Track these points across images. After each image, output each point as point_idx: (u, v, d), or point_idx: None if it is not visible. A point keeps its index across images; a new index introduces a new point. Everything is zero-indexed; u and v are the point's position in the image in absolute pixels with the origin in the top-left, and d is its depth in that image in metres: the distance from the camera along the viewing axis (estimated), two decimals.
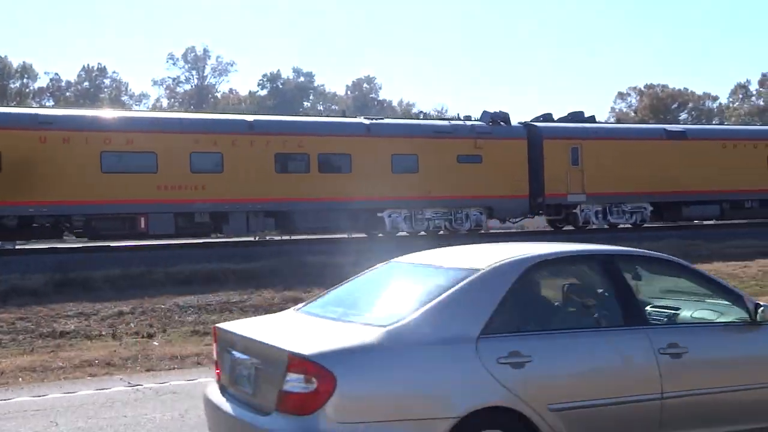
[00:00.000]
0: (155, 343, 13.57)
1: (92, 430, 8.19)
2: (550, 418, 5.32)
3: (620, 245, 8.03)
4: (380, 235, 29.47)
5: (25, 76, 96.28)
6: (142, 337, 14.06)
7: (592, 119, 34.44)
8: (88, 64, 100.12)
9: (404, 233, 29.13)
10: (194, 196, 26.44)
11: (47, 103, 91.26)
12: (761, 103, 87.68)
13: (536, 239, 27.51)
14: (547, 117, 32.94)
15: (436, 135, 29.44)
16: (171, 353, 12.37)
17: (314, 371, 4.94)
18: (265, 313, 14.87)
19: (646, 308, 6.59)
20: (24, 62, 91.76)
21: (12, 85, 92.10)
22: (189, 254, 23.08)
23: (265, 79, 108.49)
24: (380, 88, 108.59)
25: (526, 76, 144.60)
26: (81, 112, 28.81)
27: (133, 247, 25.87)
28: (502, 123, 30.68)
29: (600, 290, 6.30)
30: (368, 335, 5.26)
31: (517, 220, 32.45)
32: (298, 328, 5.95)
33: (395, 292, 6.30)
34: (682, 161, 32.05)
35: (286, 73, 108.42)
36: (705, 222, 33.73)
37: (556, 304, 6.40)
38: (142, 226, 26.15)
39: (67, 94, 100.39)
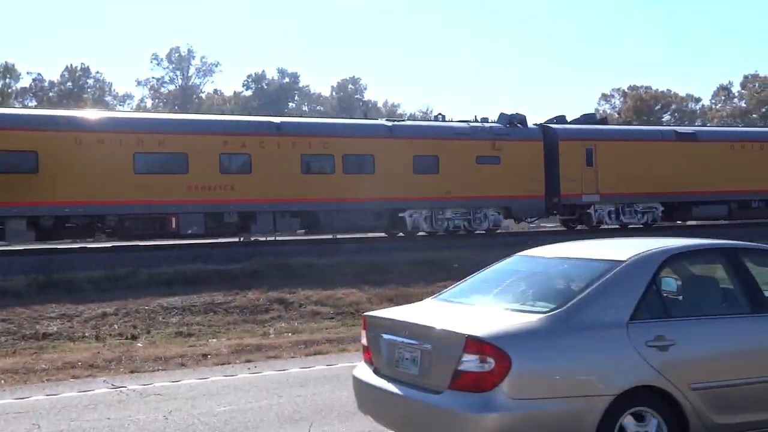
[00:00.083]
0: (139, 344, 13.57)
1: None
2: (693, 396, 5.90)
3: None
4: (400, 234, 30.11)
5: (8, 76, 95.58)
6: (126, 338, 14.06)
7: (604, 121, 35.29)
8: (71, 64, 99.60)
9: (425, 232, 29.71)
10: (223, 197, 26.92)
11: (30, 104, 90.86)
12: (743, 104, 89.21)
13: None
14: (561, 119, 33.71)
15: (456, 136, 30.11)
16: (155, 354, 12.35)
17: (491, 352, 5.51)
18: (250, 314, 16.11)
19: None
20: (6, 62, 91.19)
21: None
22: (173, 255, 23.20)
23: (249, 80, 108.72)
24: (365, 89, 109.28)
25: (510, 77, 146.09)
26: (115, 114, 29.21)
27: (116, 248, 26.00)
28: (518, 125, 31.40)
29: (728, 280, 6.87)
30: (534, 320, 5.87)
31: (533, 220, 33.16)
32: (458, 315, 6.47)
33: (541, 282, 6.90)
34: (692, 162, 32.92)
35: (271, 74, 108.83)
36: (714, 222, 34.51)
37: (690, 292, 7.00)
38: (173, 226, 26.59)
39: (50, 94, 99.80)
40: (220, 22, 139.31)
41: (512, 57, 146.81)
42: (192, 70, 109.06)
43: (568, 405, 5.59)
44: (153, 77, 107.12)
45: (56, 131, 25.05)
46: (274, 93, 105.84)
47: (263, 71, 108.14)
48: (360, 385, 6.76)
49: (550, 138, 31.59)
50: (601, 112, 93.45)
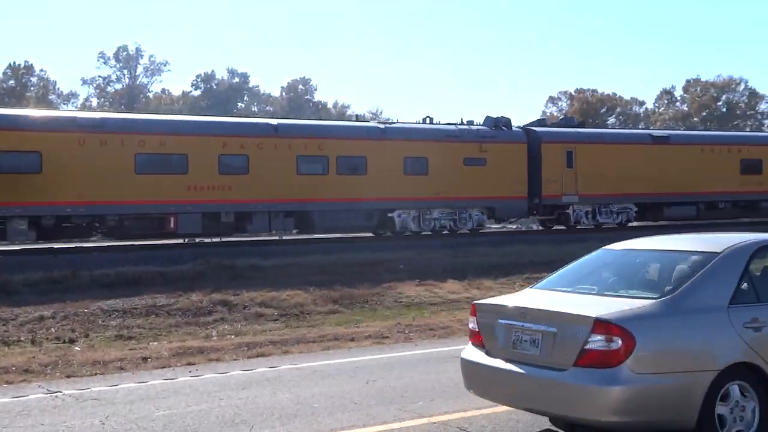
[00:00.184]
0: (77, 348, 13.20)
1: None
2: None
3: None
4: (387, 234, 30.86)
5: None
6: (64, 342, 13.71)
7: (581, 125, 36.59)
8: (14, 62, 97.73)
9: (411, 232, 30.49)
10: (221, 197, 27.38)
11: None
12: (685, 108, 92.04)
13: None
14: (542, 122, 34.89)
15: (444, 138, 31.01)
16: (93, 359, 12.04)
17: (618, 333, 6.26)
18: (193, 317, 15.98)
19: None
20: None
21: None
22: (114, 257, 23.02)
23: (198, 80, 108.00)
24: (315, 90, 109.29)
25: (459, 79, 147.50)
26: (117, 115, 29.36)
27: (56, 249, 25.84)
28: (503, 128, 32.46)
29: None
30: (650, 305, 6.66)
31: (514, 220, 34.23)
32: (574, 301, 7.16)
33: (640, 271, 7.68)
34: (664, 165, 34.38)
35: (221, 74, 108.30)
36: (683, 222, 35.93)
37: None
38: (172, 226, 26.95)
39: None
40: (168, 22, 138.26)
41: (462, 59, 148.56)
42: (140, 69, 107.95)
43: (680, 379, 6.33)
44: (99, 76, 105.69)
45: (60, 132, 25.30)
46: (224, 93, 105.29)
47: (212, 71, 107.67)
48: (470, 366, 7.45)
49: (534, 140, 32.72)
50: (548, 114, 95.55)
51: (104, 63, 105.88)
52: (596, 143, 34.10)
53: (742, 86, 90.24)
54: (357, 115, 32.17)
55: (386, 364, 11.30)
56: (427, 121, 32.40)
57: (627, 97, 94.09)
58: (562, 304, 7.06)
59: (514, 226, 38.62)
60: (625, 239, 8.75)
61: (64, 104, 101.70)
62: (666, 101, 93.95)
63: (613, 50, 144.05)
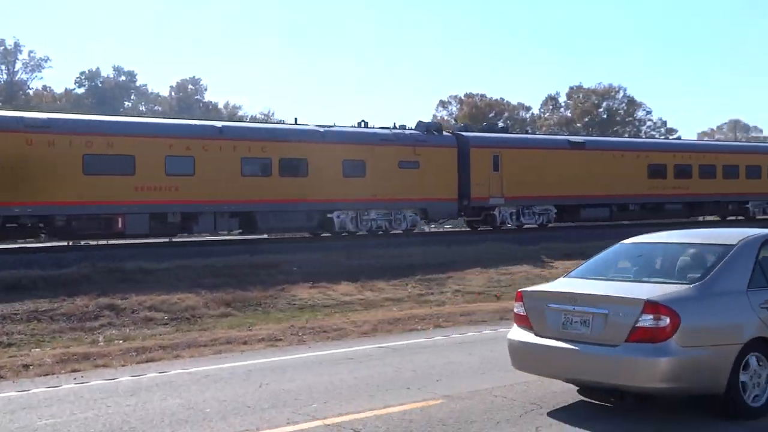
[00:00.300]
0: None
1: None
2: None
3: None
4: (325, 234, 31.63)
5: None
6: None
7: (505, 130, 38.31)
8: None
9: (347, 232, 31.37)
10: (168, 198, 27.58)
11: None
12: (569, 114, 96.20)
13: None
14: (470, 128, 36.36)
15: (381, 142, 32.06)
16: None
17: (666, 312, 7.45)
18: (78, 322, 15.51)
19: None
20: None
21: None
22: None
23: (83, 77, 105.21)
24: (206, 90, 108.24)
25: (350, 83, 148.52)
26: (66, 116, 28.96)
27: None
28: (435, 132, 33.76)
29: None
30: (686, 289, 7.93)
31: (444, 220, 35.54)
32: (617, 287, 8.35)
33: (667, 261, 8.92)
34: (581, 169, 36.53)
35: (106, 71, 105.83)
36: (598, 223, 38.17)
37: None
38: (119, 226, 26.94)
39: None
40: (49, 16, 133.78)
41: (354, 62, 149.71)
42: (18, 65, 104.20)
43: (713, 351, 7.54)
44: None
45: (7, 132, 24.97)
46: (110, 91, 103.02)
47: (97, 68, 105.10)
48: (519, 346, 8.57)
49: (463, 145, 34.16)
50: (438, 118, 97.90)
51: None
52: (520, 148, 35.89)
53: (621, 94, 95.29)
54: (296, 119, 32.51)
55: (279, 366, 11.14)
56: (362, 125, 33.28)
57: (514, 102, 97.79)
58: (609, 289, 8.25)
59: (448, 227, 40.03)
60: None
61: None
62: (551, 107, 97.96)
63: (501, 56, 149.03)
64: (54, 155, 25.48)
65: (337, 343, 13.30)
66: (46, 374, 11.14)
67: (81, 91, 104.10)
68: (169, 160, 27.68)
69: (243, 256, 23.65)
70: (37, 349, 13.31)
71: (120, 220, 26.87)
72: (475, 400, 8.64)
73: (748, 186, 42.34)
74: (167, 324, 15.74)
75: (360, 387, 9.54)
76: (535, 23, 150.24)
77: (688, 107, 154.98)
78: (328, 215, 30.95)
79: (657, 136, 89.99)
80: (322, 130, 31.28)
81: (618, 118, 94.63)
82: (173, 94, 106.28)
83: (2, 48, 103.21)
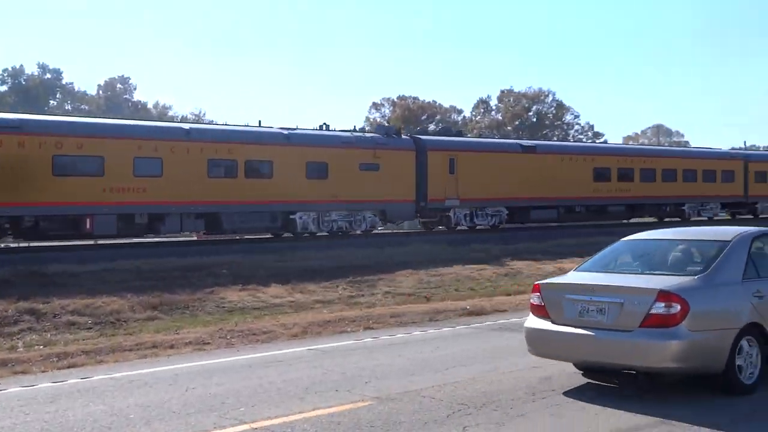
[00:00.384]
0: None
1: None
2: None
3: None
4: (286, 235, 32.15)
5: None
6: None
7: (460, 134, 39.37)
8: None
9: (309, 233, 31.94)
10: (136, 199, 27.77)
11: None
12: (499, 117, 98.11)
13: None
14: (427, 131, 37.23)
15: (343, 145, 32.74)
16: None
17: (677, 301, 8.34)
18: None
19: None
20: None
21: None
22: None
23: (5, 74, 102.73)
24: (135, 89, 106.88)
25: (281, 84, 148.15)
26: (37, 116, 28.79)
27: None
28: (394, 135, 34.63)
29: None
30: (691, 280, 8.91)
31: (401, 222, 36.36)
32: (629, 279, 9.32)
33: (669, 255, 9.87)
34: (532, 172, 37.83)
35: (31, 69, 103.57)
36: (546, 224, 39.49)
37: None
38: (88, 227, 27.01)
39: None
40: None
41: (287, 64, 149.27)
42: None
43: (717, 334, 8.49)
44: None
45: None
46: (34, 89, 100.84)
47: (21, 65, 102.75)
48: (537, 332, 9.40)
49: (421, 148, 35.10)
50: (371, 120, 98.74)
51: None
52: (475, 152, 37.02)
53: (551, 98, 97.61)
54: (260, 121, 32.88)
55: (207, 370, 10.93)
56: (324, 128, 33.88)
57: (446, 105, 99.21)
58: (622, 281, 9.23)
59: (406, 227, 40.85)
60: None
61: None
62: (482, 110, 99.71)
63: (434, 59, 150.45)
64: (24, 156, 25.44)
65: (267, 346, 13.08)
66: None
67: (4, 88, 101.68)
68: (138, 162, 27.85)
69: (170, 258, 23.54)
70: None
71: (88, 220, 26.94)
72: (404, 401, 8.69)
73: (684, 189, 44.49)
74: (91, 328, 15.25)
75: (289, 390, 9.44)
76: (468, 26, 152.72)
77: (613, 112, 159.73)
78: (291, 216, 31.46)
79: (584, 139, 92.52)
80: (286, 132, 31.78)
81: (547, 122, 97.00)
82: (101, 92, 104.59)
83: None
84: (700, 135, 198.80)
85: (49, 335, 14.52)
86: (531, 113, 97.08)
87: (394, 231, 38.15)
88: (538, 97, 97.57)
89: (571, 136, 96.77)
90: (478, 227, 36.69)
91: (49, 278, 19.50)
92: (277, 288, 19.60)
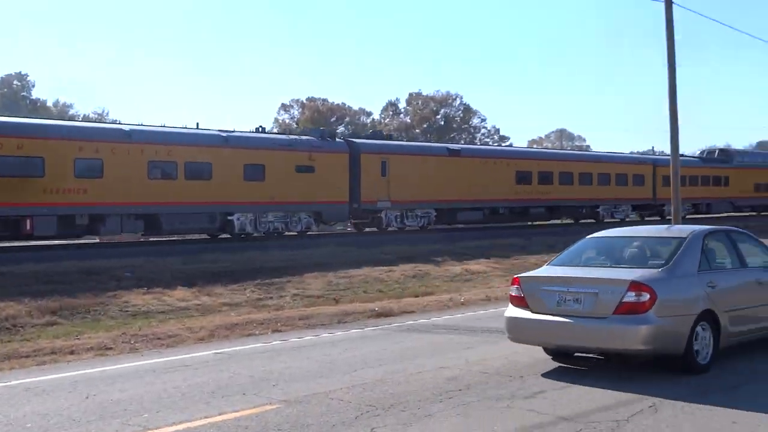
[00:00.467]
0: None
1: None
2: (724, 317, 10.04)
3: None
4: (223, 236, 32.44)
5: None
6: None
7: (390, 137, 40.29)
8: None
9: (244, 234, 32.26)
10: (76, 200, 27.71)
11: None
12: (408, 120, 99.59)
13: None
14: (358, 135, 37.96)
15: (280, 147, 33.27)
16: None
17: (646, 290, 9.36)
18: None
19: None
20: None
21: None
22: None
23: None
24: (33, 86, 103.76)
25: (187, 84, 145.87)
26: None
27: None
28: (329, 138, 35.31)
29: (732, 248, 11.49)
30: (657, 272, 9.97)
31: (334, 223, 37.01)
32: (600, 271, 10.39)
33: (632, 251, 10.93)
34: (458, 175, 39.07)
35: None
36: (473, 225, 40.77)
37: (718, 254, 11.50)
38: (28, 228, 26.78)
39: None
40: None
41: (193, 63, 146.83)
42: None
43: (678, 319, 9.53)
44: None
45: None
46: None
47: None
48: (517, 321, 10.32)
49: (354, 151, 35.94)
50: (280, 121, 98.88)
51: None
52: (405, 154, 38.13)
53: (458, 101, 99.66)
54: (197, 123, 33.05)
55: (109, 376, 10.61)
56: (261, 130, 34.28)
57: (355, 107, 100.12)
58: (595, 273, 10.30)
59: (339, 228, 41.45)
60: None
61: None
62: (391, 113, 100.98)
63: (343, 61, 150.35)
64: None
65: (172, 350, 12.79)
66: None
67: None
68: (78, 163, 27.75)
69: (70, 261, 23.01)
70: None
71: (28, 222, 26.73)
72: (312, 404, 8.62)
73: (599, 192, 46.63)
74: None
75: (194, 394, 9.25)
76: (377, 28, 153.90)
77: (518, 116, 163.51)
78: (229, 217, 31.78)
79: (491, 143, 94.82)
80: (224, 135, 32.09)
81: (455, 125, 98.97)
82: None
83: None
84: (600, 140, 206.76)
85: None
86: (439, 116, 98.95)
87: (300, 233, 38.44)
88: (445, 100, 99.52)
89: (477, 139, 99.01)
90: (407, 228, 37.68)
91: None
92: (183, 291, 19.30)
